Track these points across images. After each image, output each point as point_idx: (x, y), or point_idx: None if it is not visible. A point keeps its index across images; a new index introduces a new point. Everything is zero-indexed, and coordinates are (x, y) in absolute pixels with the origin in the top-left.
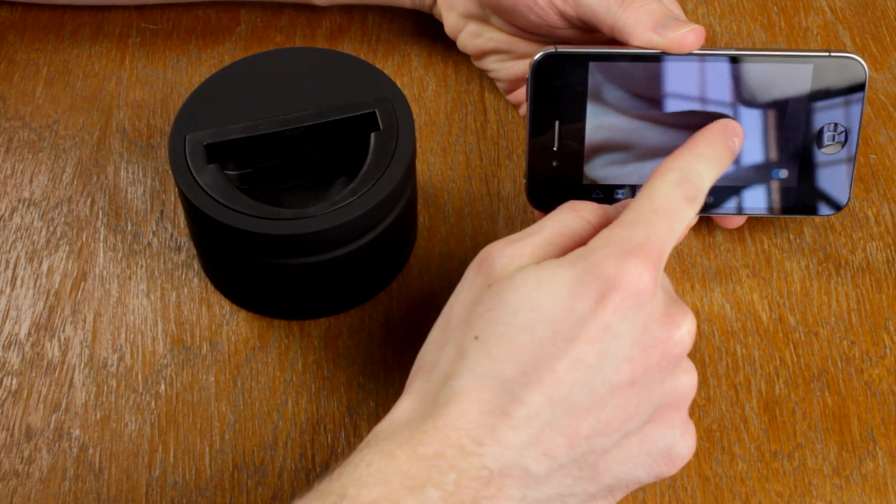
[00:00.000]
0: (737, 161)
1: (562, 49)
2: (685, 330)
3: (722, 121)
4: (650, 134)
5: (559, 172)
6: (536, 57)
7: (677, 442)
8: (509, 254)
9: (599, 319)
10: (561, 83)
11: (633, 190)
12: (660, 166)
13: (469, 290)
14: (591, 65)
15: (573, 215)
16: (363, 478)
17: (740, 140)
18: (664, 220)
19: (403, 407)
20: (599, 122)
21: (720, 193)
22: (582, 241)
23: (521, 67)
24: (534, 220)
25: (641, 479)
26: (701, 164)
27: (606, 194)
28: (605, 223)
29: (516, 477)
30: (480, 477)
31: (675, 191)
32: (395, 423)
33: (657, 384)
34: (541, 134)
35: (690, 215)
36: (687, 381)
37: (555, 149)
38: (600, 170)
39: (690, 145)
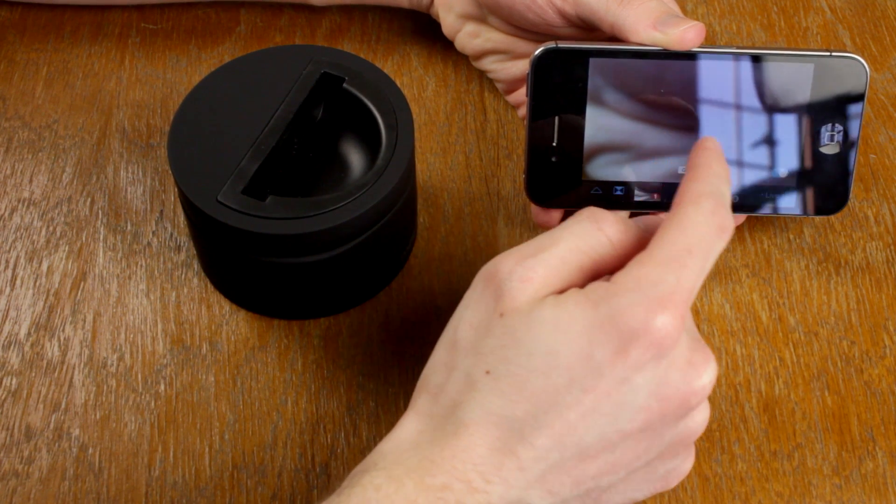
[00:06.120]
0: (737, 159)
1: (562, 44)
2: (707, 379)
3: (710, 138)
4: (650, 131)
5: (558, 168)
6: (537, 52)
7: (678, 467)
8: (521, 276)
9: (618, 371)
10: (561, 78)
11: (632, 187)
12: (688, 190)
13: (477, 310)
14: (592, 60)
15: (592, 228)
16: (370, 501)
17: None
18: (698, 261)
19: (409, 426)
20: (599, 118)
21: None
22: (600, 261)
23: (520, 68)
24: (533, 220)
25: (638, 499)
26: (724, 185)
27: (605, 190)
28: (627, 242)
29: None
30: None
31: (711, 222)
32: (402, 444)
33: (670, 428)
34: (540, 129)
35: (722, 248)
36: (700, 418)
37: (554, 144)
38: (600, 166)
39: (708, 165)
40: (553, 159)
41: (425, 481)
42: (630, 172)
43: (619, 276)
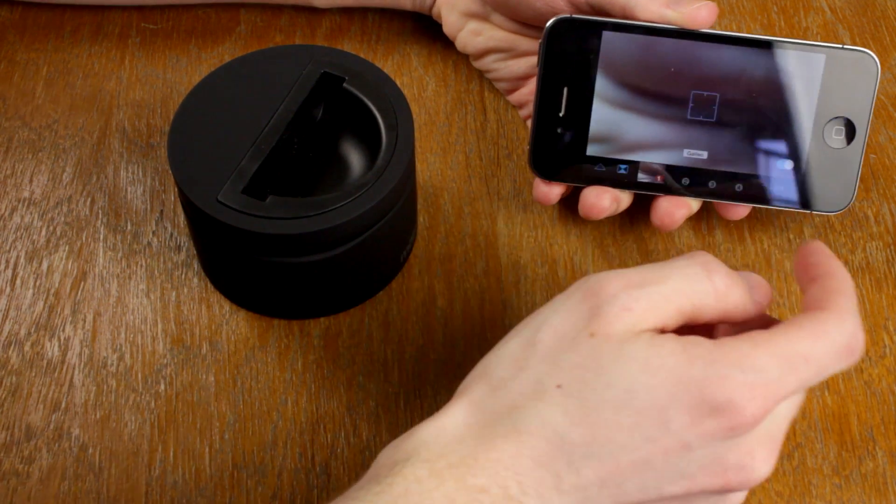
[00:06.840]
0: (743, 148)
1: (577, 15)
2: (757, 476)
3: (820, 243)
4: (656, 110)
5: (563, 140)
6: (551, 21)
7: None
8: (623, 303)
9: (685, 435)
10: (573, 50)
11: (637, 167)
12: (835, 301)
13: (567, 319)
14: (605, 34)
15: (702, 275)
16: (412, 494)
17: None
18: (811, 373)
19: (457, 415)
20: (608, 94)
21: (723, 180)
22: (700, 308)
23: (522, 66)
24: (534, 219)
25: None
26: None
27: (609, 168)
28: (730, 298)
29: None
30: None
31: (844, 342)
32: (445, 434)
33: (703, 502)
34: (548, 100)
35: (842, 369)
36: (733, 501)
37: (561, 115)
38: (605, 143)
39: (848, 279)
40: (559, 131)
41: (467, 481)
42: (636, 150)
43: (727, 343)
